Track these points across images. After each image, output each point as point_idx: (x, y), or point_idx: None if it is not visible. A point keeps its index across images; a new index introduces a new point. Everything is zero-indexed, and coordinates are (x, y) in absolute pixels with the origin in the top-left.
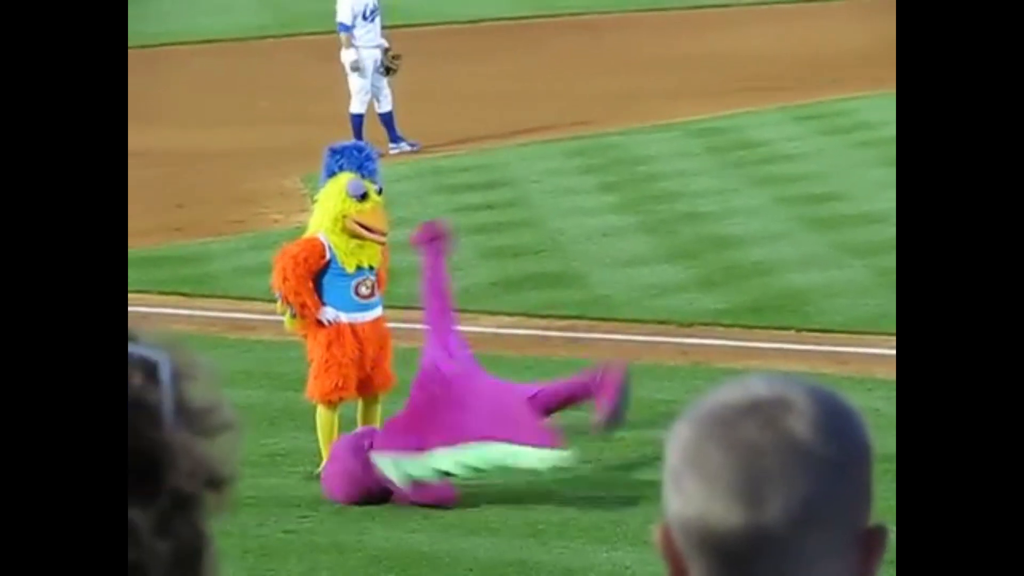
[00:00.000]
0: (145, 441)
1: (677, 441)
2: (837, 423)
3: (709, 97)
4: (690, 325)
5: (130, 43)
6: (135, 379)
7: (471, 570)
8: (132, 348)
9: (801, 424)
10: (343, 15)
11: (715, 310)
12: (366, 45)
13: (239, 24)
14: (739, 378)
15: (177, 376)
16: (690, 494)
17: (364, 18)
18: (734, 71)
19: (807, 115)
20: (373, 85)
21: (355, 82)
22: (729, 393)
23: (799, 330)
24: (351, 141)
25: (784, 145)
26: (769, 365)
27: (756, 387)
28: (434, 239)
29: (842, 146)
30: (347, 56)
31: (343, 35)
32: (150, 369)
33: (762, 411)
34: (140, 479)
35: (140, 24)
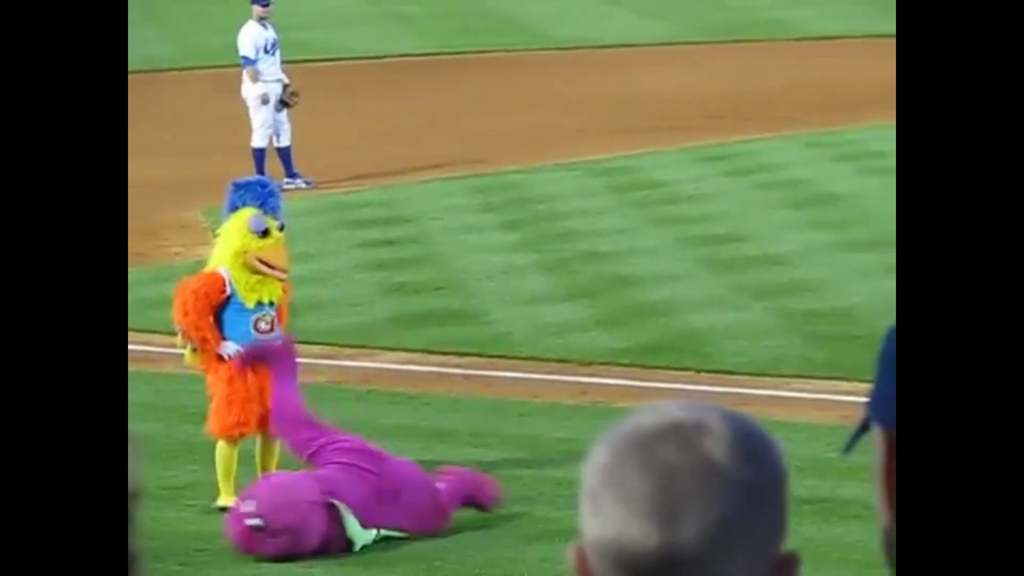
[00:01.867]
0: None
1: (595, 464)
2: (753, 447)
3: (612, 136)
4: (589, 364)
5: None
6: None
7: None
8: None
9: (718, 447)
10: (246, 49)
11: (615, 349)
12: (267, 79)
13: (141, 56)
14: (657, 404)
15: None
16: (607, 515)
17: (266, 51)
18: (637, 111)
19: (709, 156)
20: (274, 119)
21: (258, 116)
22: (647, 417)
23: (698, 371)
24: (254, 176)
25: (686, 186)
26: None
27: (674, 411)
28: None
29: (744, 187)
30: (253, 90)
31: (248, 69)
32: None
33: (679, 434)
34: None
35: None
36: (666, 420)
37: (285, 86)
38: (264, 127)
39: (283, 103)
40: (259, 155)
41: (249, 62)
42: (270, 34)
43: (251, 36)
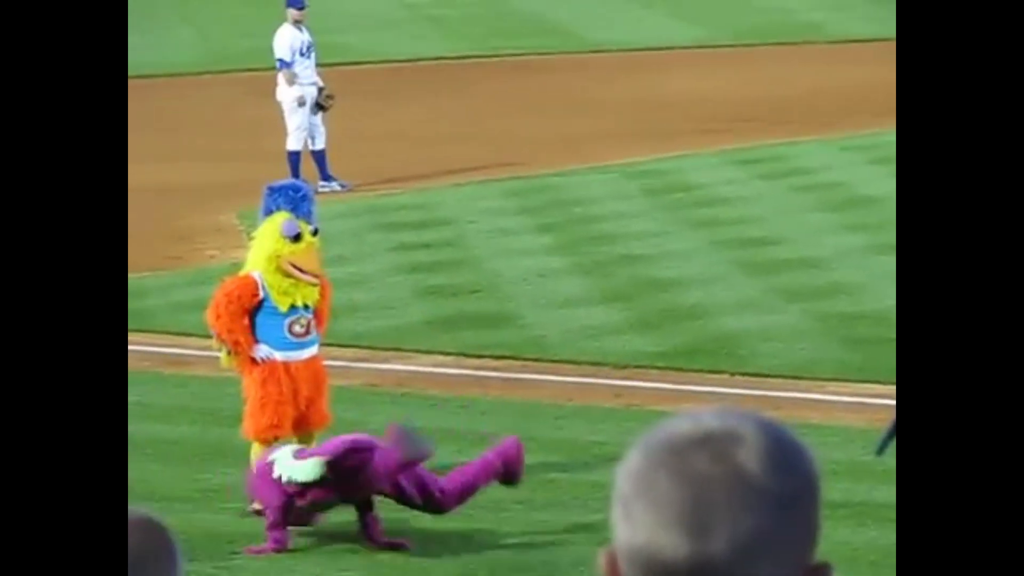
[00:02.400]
0: None
1: (628, 469)
2: (786, 457)
3: (646, 140)
4: (624, 367)
5: None
6: None
7: None
8: None
9: (751, 457)
10: (282, 52)
11: (649, 353)
12: (303, 82)
13: (174, 61)
14: (691, 410)
15: None
16: (638, 522)
17: (301, 54)
18: (671, 114)
19: (745, 159)
20: (309, 122)
21: (293, 119)
22: (681, 424)
23: (733, 374)
24: (289, 180)
25: (721, 189)
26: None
27: (708, 420)
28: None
29: (779, 190)
30: (288, 93)
31: (284, 72)
32: None
33: (713, 444)
34: None
35: None
36: (700, 428)
37: (320, 89)
38: (299, 130)
39: (319, 106)
40: (294, 158)
41: (285, 65)
42: (305, 37)
43: (287, 39)
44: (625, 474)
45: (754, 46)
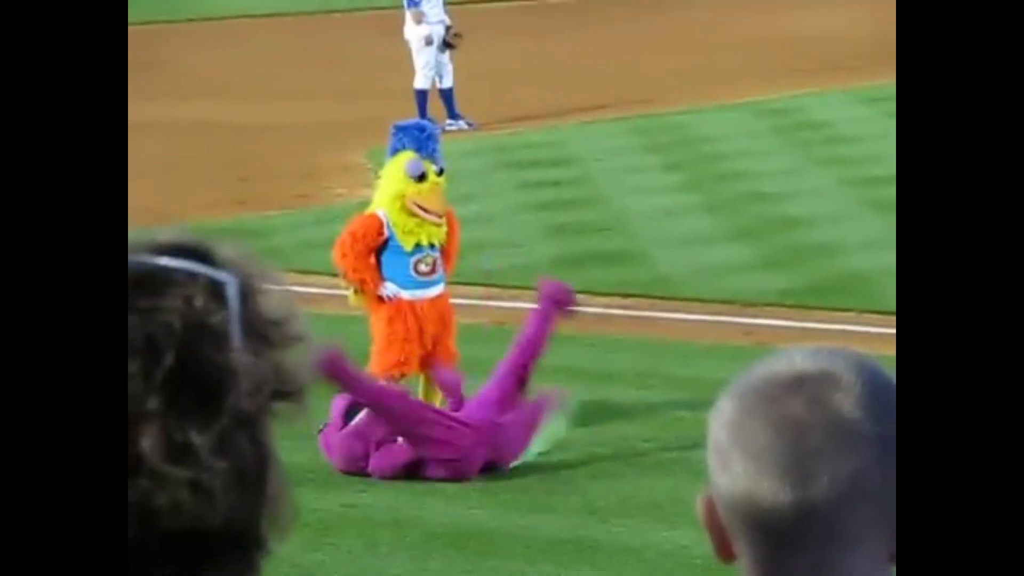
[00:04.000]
0: (207, 364)
1: (721, 417)
2: (882, 399)
3: (774, 77)
4: (752, 305)
5: (196, 17)
6: (198, 301)
7: (529, 548)
8: (199, 268)
9: (847, 401)
10: None
11: (778, 290)
12: (430, 21)
13: (312, 0)
14: (783, 351)
15: (246, 293)
16: (736, 472)
17: None
18: (799, 51)
19: (872, 97)
20: (436, 61)
21: (421, 57)
22: (773, 368)
23: (861, 311)
24: (415, 120)
25: (849, 126)
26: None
27: (800, 361)
28: (558, 302)
29: None
30: (416, 31)
31: (412, 10)
32: (217, 289)
33: (807, 387)
34: (201, 402)
35: None
36: (793, 371)
37: (448, 27)
38: (427, 68)
39: (446, 44)
40: (422, 97)
41: (412, 3)
42: None
43: None
44: (719, 422)
45: None
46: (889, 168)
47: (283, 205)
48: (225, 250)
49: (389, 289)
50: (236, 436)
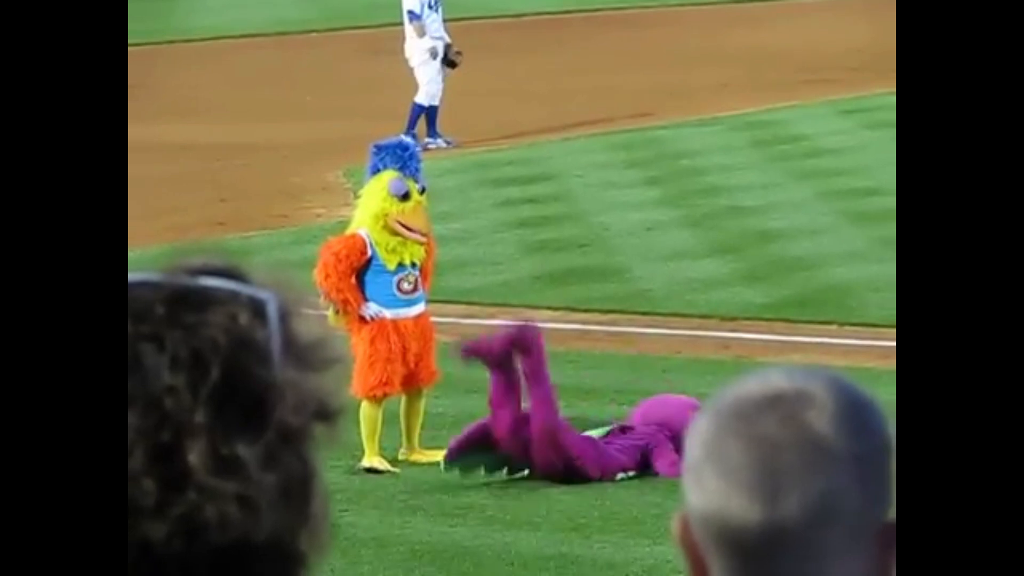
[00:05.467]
0: (252, 379)
1: (697, 434)
2: (858, 418)
3: (753, 91)
4: (732, 319)
5: (176, 38)
6: (242, 318)
7: (512, 564)
8: (240, 288)
9: (821, 419)
10: (412, 3)
11: (758, 304)
12: (432, 35)
13: (283, 18)
14: (759, 370)
15: (285, 314)
16: (709, 489)
17: (430, 7)
18: (778, 65)
19: (851, 109)
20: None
21: (426, 72)
22: (749, 386)
23: (841, 324)
24: (396, 138)
25: (828, 139)
26: (811, 360)
27: (776, 380)
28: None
29: (886, 140)
30: (420, 45)
31: (414, 24)
32: (259, 308)
33: (782, 405)
34: (248, 416)
35: (185, 19)
36: (768, 389)
37: (448, 45)
38: (432, 84)
39: (450, 62)
40: (420, 112)
41: (415, 17)
42: None
43: None
44: (695, 439)
45: None
46: (868, 180)
47: (263, 225)
48: (260, 273)
49: (372, 309)
50: (282, 451)
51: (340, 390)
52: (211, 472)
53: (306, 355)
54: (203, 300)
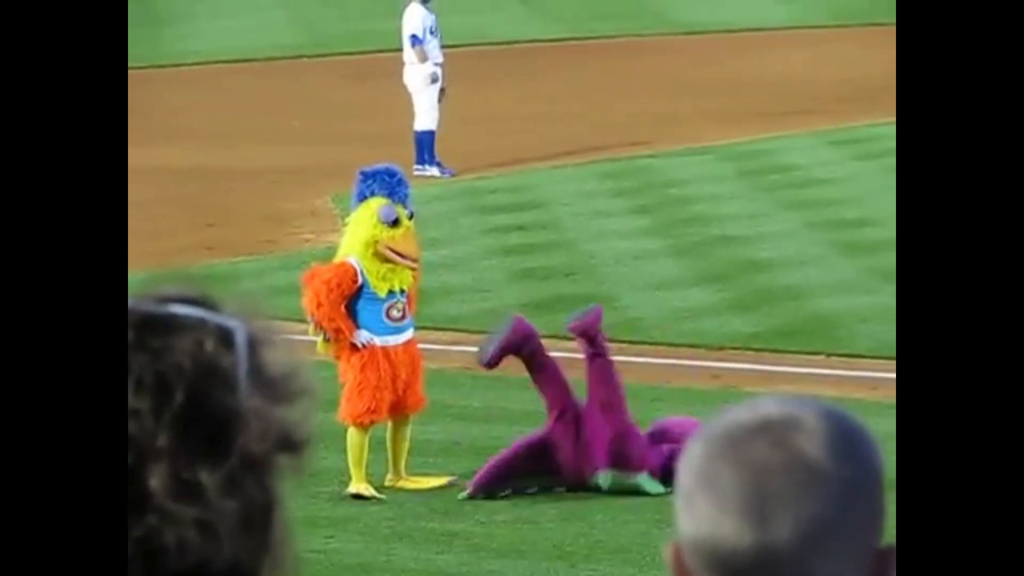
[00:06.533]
0: (216, 405)
1: (689, 460)
2: (848, 443)
3: (742, 121)
4: (720, 349)
5: (166, 62)
6: (209, 345)
7: None
8: (209, 315)
9: (811, 444)
10: (414, 28)
11: (746, 334)
12: (432, 61)
13: (272, 44)
14: (752, 400)
15: (254, 343)
16: (700, 514)
17: (431, 33)
18: (767, 95)
19: (840, 140)
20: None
21: (423, 98)
22: (740, 413)
23: (829, 355)
24: (383, 165)
25: (817, 170)
26: (799, 390)
27: (767, 407)
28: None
29: (875, 171)
30: (421, 70)
31: (416, 49)
32: (226, 336)
33: (772, 431)
34: (210, 442)
35: (174, 44)
36: (759, 416)
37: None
38: (432, 109)
39: (440, 90)
40: (425, 138)
41: (418, 41)
42: (433, 16)
43: (417, 17)
44: (686, 466)
45: (850, 26)
46: (857, 211)
47: (250, 250)
48: (232, 303)
49: (363, 336)
50: (244, 478)
51: (307, 421)
52: (171, 496)
53: (274, 385)
54: (170, 326)
